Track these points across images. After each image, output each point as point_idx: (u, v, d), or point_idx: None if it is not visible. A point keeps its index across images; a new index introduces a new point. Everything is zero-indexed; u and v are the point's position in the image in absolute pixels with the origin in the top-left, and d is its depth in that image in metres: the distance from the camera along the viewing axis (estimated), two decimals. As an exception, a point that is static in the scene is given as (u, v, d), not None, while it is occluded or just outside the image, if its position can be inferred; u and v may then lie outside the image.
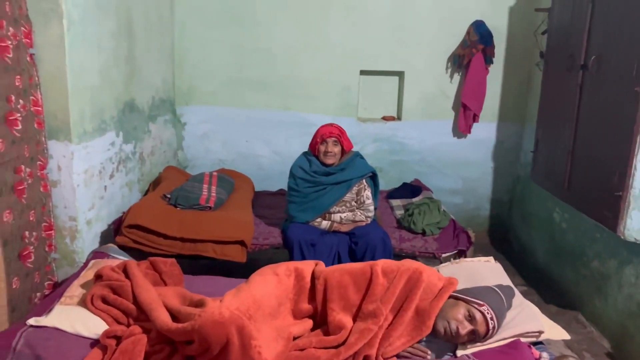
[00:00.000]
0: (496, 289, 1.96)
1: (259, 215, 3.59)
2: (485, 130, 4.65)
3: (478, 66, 4.30)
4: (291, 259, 3.06)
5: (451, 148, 4.71)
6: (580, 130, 3.10)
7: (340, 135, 3.09)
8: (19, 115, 2.46)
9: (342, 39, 4.47)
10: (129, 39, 3.48)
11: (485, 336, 1.85)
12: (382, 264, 2.02)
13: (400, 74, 4.64)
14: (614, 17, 2.78)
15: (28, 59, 2.56)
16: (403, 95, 4.63)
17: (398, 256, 3.16)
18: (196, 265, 3.23)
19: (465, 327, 1.84)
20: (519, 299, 2.08)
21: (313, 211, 3.14)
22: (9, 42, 2.37)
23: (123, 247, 3.02)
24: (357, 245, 3.07)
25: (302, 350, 1.82)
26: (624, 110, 2.62)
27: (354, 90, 4.60)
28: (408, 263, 2.04)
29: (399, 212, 3.62)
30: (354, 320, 1.93)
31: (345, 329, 1.89)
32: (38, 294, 2.69)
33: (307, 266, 2.08)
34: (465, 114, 4.47)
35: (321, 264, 2.10)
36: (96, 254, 2.57)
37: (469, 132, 4.56)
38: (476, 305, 1.86)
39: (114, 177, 3.32)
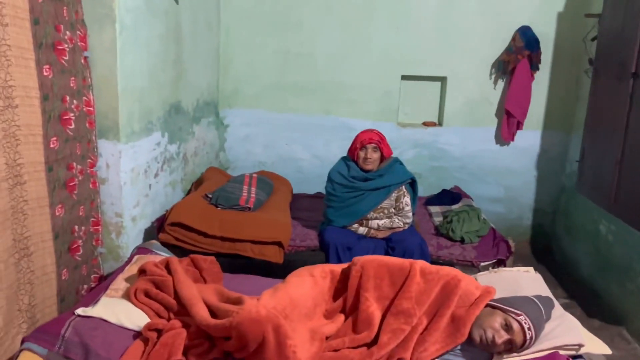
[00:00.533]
0: (535, 299, 1.92)
1: (296, 217, 3.64)
2: (530, 138, 4.56)
3: (523, 72, 4.22)
4: (327, 261, 3.08)
5: (493, 155, 4.63)
6: (629, 141, 3.00)
7: (380, 142, 3.09)
8: (72, 115, 2.58)
9: (385, 43, 4.48)
10: (176, 43, 3.60)
11: (522, 346, 1.82)
12: (421, 264, 2.02)
13: (442, 80, 4.61)
14: (668, 24, 2.68)
15: (82, 61, 2.68)
16: (445, 101, 4.59)
17: (435, 263, 3.10)
18: (234, 264, 3.29)
19: (502, 336, 1.81)
20: (559, 311, 2.03)
21: (350, 216, 3.15)
22: (66, 46, 2.49)
23: (165, 244, 3.12)
24: (394, 250, 3.06)
25: (336, 351, 1.84)
26: (677, 120, 2.52)
27: (395, 95, 4.59)
28: (447, 269, 2.03)
29: (438, 219, 3.59)
30: (384, 315, 1.93)
31: (374, 324, 1.89)
32: (85, 286, 2.80)
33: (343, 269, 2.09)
34: (509, 121, 4.39)
35: None
36: (140, 250, 2.67)
37: (512, 139, 4.48)
38: (513, 315, 1.83)
39: (158, 176, 3.43)
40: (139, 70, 3.07)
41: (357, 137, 3.15)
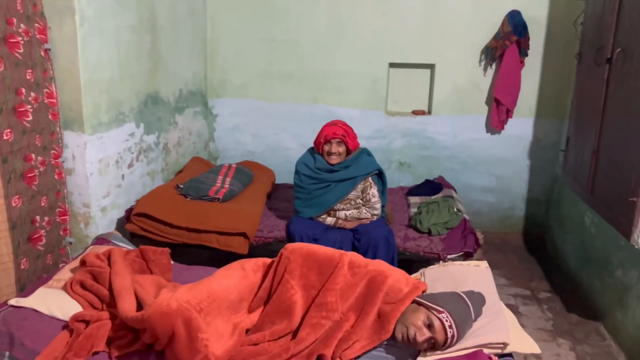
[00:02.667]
0: (463, 295, 1.86)
1: (273, 208, 3.63)
2: (522, 126, 4.41)
3: (512, 59, 4.08)
4: (294, 253, 3.06)
5: (484, 144, 4.51)
6: (604, 129, 2.88)
7: (345, 136, 3.02)
8: (29, 107, 2.62)
9: (372, 30, 4.40)
10: (152, 33, 3.60)
11: (445, 345, 1.77)
12: (351, 256, 1.98)
13: (431, 67, 4.49)
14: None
15: (42, 53, 2.71)
16: (434, 89, 4.48)
17: (402, 255, 3.08)
18: (204, 255, 3.32)
19: (423, 334, 1.76)
20: (495, 307, 1.96)
21: (318, 208, 3.12)
22: (20, 39, 2.52)
23: (133, 234, 3.16)
24: (359, 242, 3.03)
25: (255, 344, 1.83)
26: (644, 108, 2.39)
27: (383, 83, 4.51)
28: (377, 264, 1.98)
29: (414, 210, 3.52)
30: (309, 307, 1.90)
31: (295, 313, 1.85)
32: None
33: (277, 262, 2.07)
34: (498, 109, 4.26)
35: None
36: (99, 240, 2.70)
37: (502, 128, 4.35)
38: (436, 312, 1.77)
39: (133, 166, 3.46)
40: (106, 61, 3.09)
41: (321, 130, 3.09)
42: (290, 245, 2.01)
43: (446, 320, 1.75)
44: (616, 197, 2.63)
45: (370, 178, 3.09)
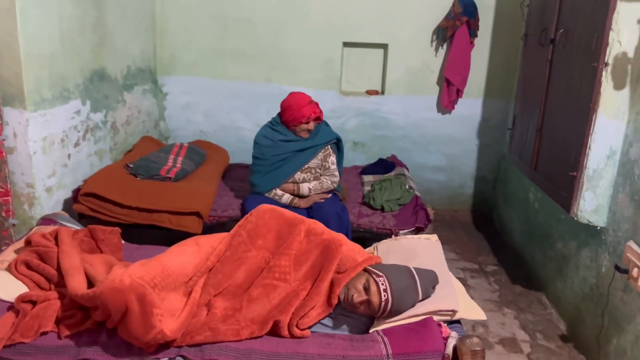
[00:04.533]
0: (413, 271, 1.89)
1: (227, 187, 3.59)
2: (471, 106, 4.54)
3: (462, 40, 4.17)
4: (248, 231, 3.06)
5: (435, 124, 4.61)
6: (547, 108, 3.00)
7: (321, 113, 3.16)
8: (-36, 81, 2.47)
9: (326, 9, 4.38)
10: (97, 7, 3.46)
11: (380, 309, 1.81)
12: (310, 223, 2.02)
13: (384, 47, 4.53)
14: (582, -12, 2.64)
15: (-23, 24, 2.56)
16: (387, 69, 4.53)
17: (356, 231, 3.13)
18: (156, 235, 3.25)
19: (360, 296, 1.82)
20: (445, 277, 2.03)
21: (276, 180, 3.12)
22: (-48, 7, 2.37)
23: (81, 215, 3.07)
24: (313, 219, 3.05)
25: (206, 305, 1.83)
26: (584, 86, 2.51)
27: (337, 62, 4.52)
28: (333, 234, 2.01)
29: (367, 188, 3.57)
30: (262, 270, 1.94)
31: (244, 266, 1.90)
32: (-7, 258, 2.74)
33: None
34: (449, 89, 4.36)
35: None
36: (45, 221, 2.61)
37: (452, 107, 4.46)
38: (375, 276, 1.83)
39: (79, 145, 3.34)
40: (48, 35, 2.95)
41: (299, 109, 3.04)
42: (255, 210, 2.06)
43: (382, 284, 1.80)
44: (558, 172, 2.76)
45: (329, 146, 3.15)
